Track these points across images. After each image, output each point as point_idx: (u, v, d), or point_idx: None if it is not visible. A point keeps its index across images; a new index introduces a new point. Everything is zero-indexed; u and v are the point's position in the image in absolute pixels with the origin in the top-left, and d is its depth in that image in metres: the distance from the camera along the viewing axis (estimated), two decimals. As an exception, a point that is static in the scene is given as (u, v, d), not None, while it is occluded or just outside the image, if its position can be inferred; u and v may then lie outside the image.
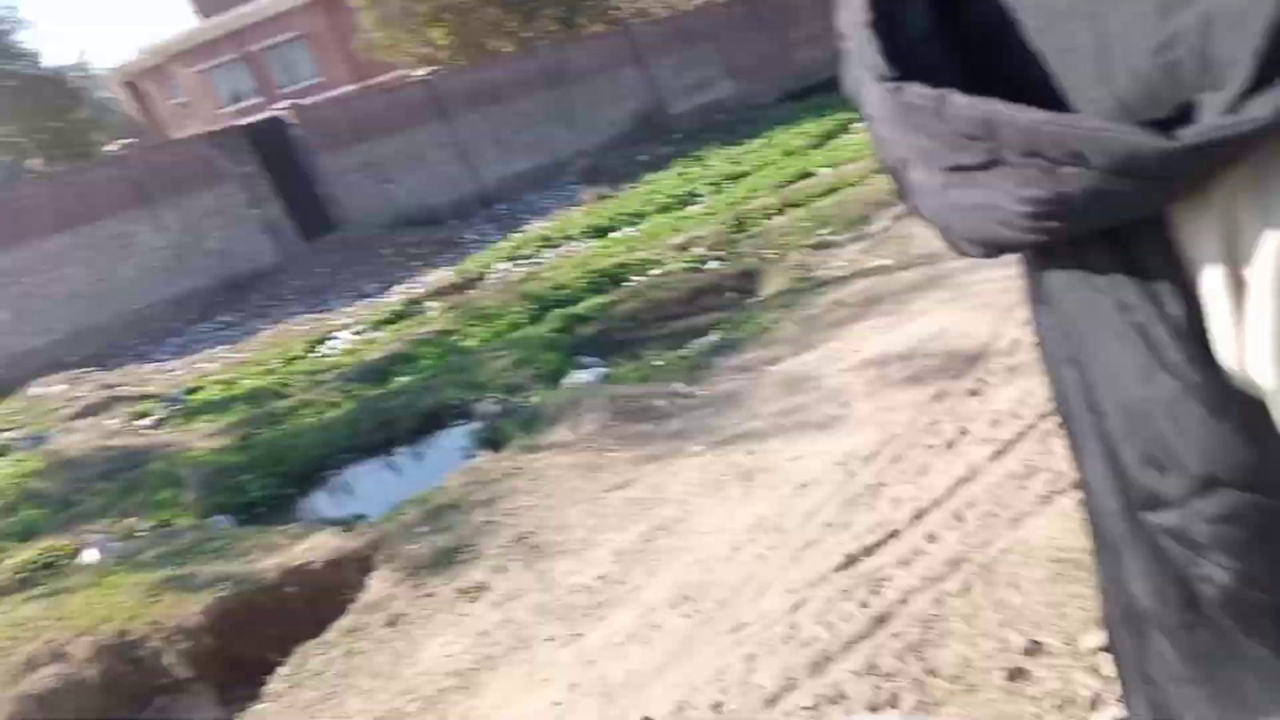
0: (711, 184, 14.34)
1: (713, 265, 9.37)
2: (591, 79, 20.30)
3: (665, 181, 15.73)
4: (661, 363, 6.90)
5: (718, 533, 4.10)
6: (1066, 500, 3.63)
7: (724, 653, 3.25)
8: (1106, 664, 2.49)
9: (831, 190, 10.92)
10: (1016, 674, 2.70)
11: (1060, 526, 3.42)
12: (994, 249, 0.60)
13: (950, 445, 4.20)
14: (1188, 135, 0.47)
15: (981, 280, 6.26)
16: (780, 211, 10.54)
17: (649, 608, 3.72)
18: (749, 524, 4.08)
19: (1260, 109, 0.44)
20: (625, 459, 5.18)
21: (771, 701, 2.93)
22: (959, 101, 0.53)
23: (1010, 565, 3.20)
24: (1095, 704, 2.48)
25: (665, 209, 13.43)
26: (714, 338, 7.21)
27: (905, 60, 0.57)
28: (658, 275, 9.47)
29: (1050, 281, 0.62)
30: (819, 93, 20.12)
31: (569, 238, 13.14)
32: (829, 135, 15.54)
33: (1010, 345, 5.10)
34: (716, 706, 3.00)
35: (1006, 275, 6.48)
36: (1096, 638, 2.63)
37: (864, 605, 3.19)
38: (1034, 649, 2.76)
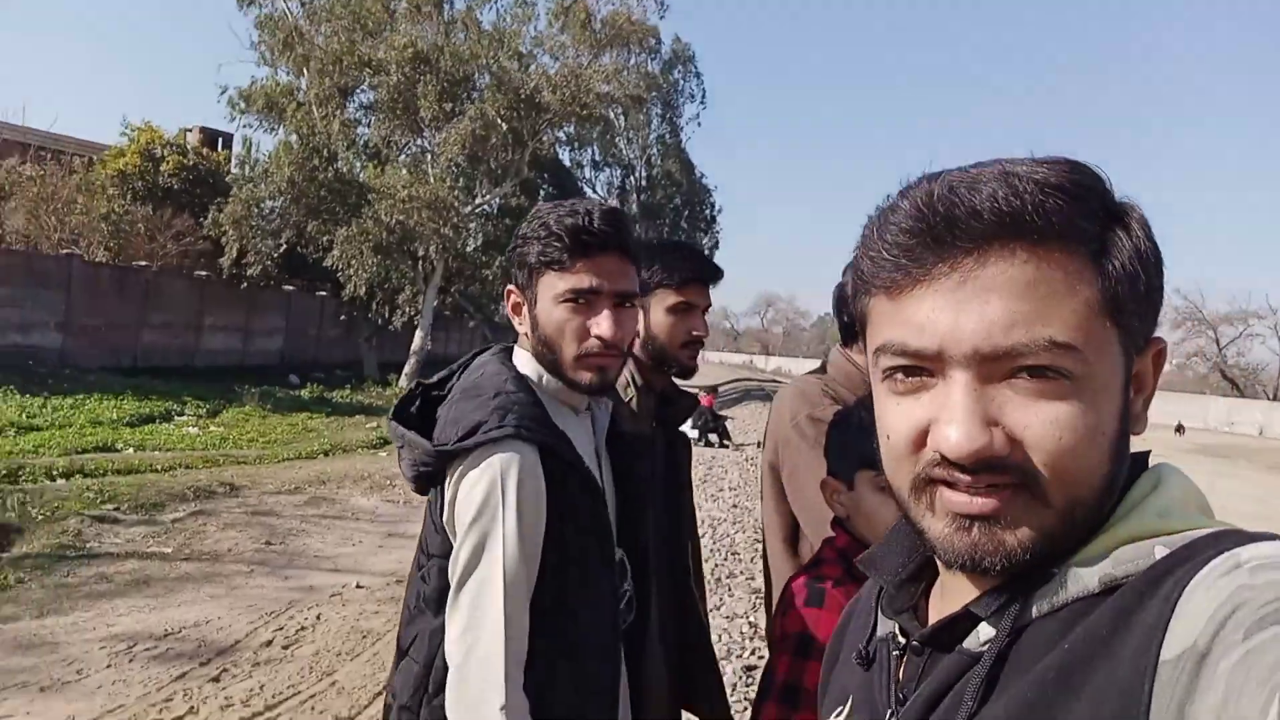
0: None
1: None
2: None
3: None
4: None
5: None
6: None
7: None
8: None
9: (132, 470, 10.70)
10: None
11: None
12: None
13: (178, 720, 4.43)
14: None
15: (255, 585, 6.87)
16: (66, 476, 10.05)
17: None
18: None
19: None
20: None
21: None
22: None
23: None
24: None
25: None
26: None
27: None
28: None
29: None
30: (154, 376, 20.15)
31: None
32: (150, 419, 15.44)
33: (261, 645, 5.65)
34: None
35: (282, 585, 6.87)
36: None
37: None
38: None
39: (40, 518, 8.05)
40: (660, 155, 43.94)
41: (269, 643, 5.62)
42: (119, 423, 14.49)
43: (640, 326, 2.37)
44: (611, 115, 30.23)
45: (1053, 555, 0.71)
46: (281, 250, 24.14)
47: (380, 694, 4.91)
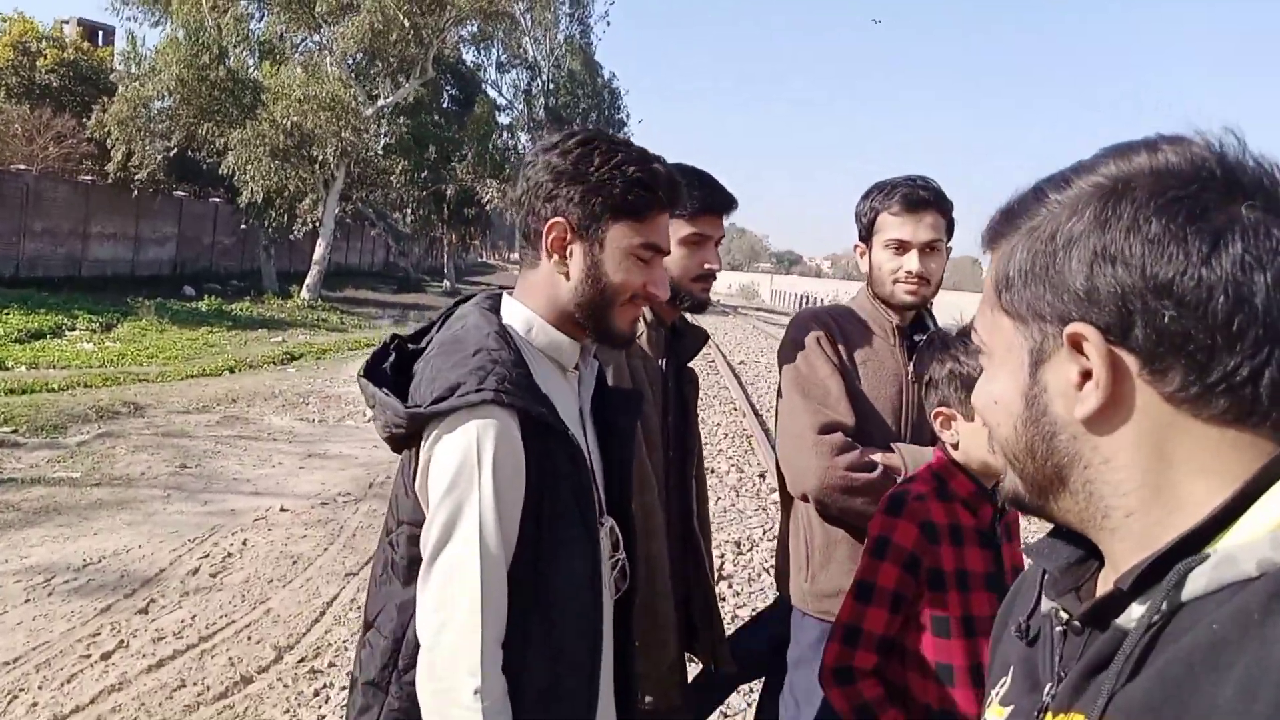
0: None
1: None
2: None
3: None
4: None
5: None
6: (209, 710, 3.85)
7: None
8: None
9: (27, 390, 10.32)
10: None
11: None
12: None
13: (106, 656, 4.38)
14: None
15: (173, 511, 6.65)
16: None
17: None
18: None
19: None
20: None
21: None
22: None
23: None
24: None
25: None
26: None
27: None
28: None
29: None
30: (40, 288, 19.47)
31: None
32: (39, 334, 14.81)
33: (187, 573, 5.48)
34: None
35: (202, 510, 6.51)
36: None
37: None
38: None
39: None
40: (568, 55, 42.88)
41: (195, 571, 5.47)
42: (6, 339, 13.80)
43: None
44: (517, 12, 29.20)
45: (1039, 505, 0.83)
46: (172, 154, 23.11)
47: (319, 620, 4.85)
